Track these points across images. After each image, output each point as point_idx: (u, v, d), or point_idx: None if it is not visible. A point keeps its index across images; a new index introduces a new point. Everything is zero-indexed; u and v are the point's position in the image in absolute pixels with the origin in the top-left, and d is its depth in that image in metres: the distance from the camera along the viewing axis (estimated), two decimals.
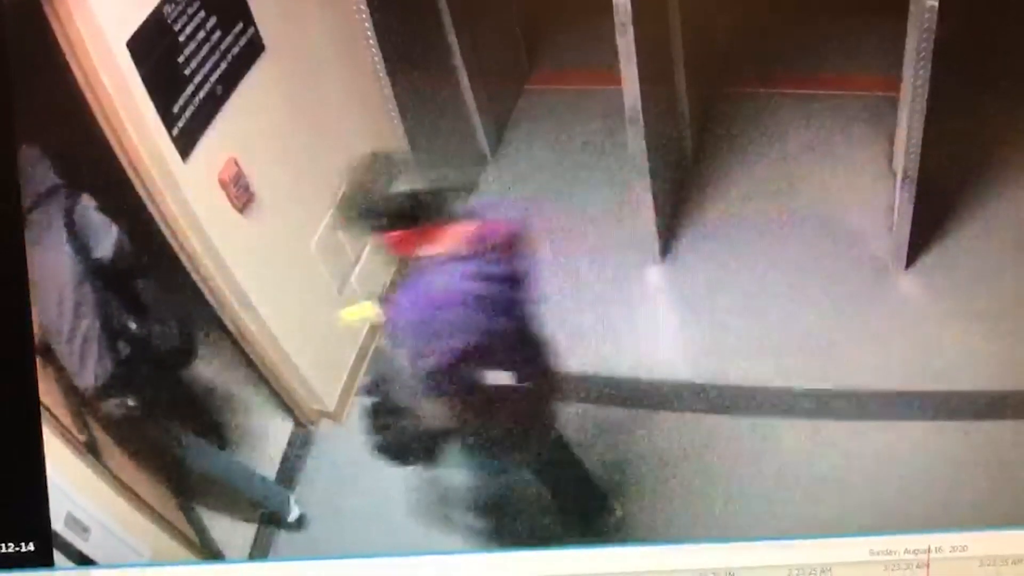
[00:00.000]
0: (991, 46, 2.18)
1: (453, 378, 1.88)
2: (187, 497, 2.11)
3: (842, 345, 2.20)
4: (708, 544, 1.71)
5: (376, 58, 2.25)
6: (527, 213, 2.11)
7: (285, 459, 2.28)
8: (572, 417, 2.12)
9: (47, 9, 1.71)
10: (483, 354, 1.89)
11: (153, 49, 1.86)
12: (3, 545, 1.68)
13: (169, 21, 1.89)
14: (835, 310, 2.25)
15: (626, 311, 2.29)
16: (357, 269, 2.32)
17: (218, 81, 2.00)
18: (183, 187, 1.96)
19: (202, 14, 1.95)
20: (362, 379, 2.29)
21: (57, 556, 1.72)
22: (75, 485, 1.82)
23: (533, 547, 1.77)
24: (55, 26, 1.73)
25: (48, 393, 1.80)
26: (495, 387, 1.92)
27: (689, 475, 2.09)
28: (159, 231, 1.98)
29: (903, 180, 2.18)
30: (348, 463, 2.20)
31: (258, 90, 2.09)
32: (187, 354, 2.07)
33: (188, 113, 1.94)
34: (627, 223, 2.34)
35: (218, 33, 2.00)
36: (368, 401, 2.04)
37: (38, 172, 1.79)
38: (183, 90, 1.93)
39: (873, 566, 1.68)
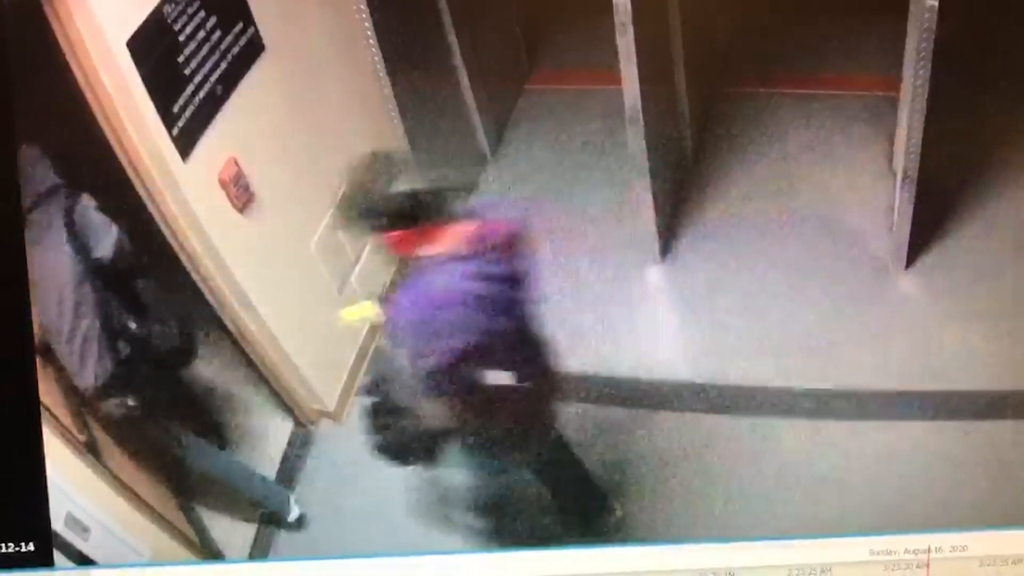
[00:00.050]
0: (991, 46, 2.18)
1: (453, 378, 1.88)
2: (187, 497, 2.11)
3: (842, 345, 2.20)
4: (708, 544, 1.71)
5: (376, 58, 2.25)
6: (527, 213, 2.11)
7: (285, 459, 2.28)
8: (572, 417, 2.12)
9: (47, 9, 1.71)
10: (483, 354, 1.89)
11: (153, 49, 1.86)
12: (3, 545, 1.68)
13: (169, 21, 1.89)
14: (835, 310, 2.25)
15: (626, 311, 2.29)
16: (357, 269, 2.32)
17: (218, 81, 2.00)
18: (183, 187, 1.96)
19: (202, 14, 1.95)
20: (362, 379, 2.29)
21: (57, 556, 1.72)
22: (75, 485, 1.82)
23: (533, 547, 1.76)
24: (55, 26, 1.73)
25: (48, 393, 1.80)
26: (495, 387, 1.92)
27: (689, 475, 2.09)
28: (159, 231, 1.97)
29: (903, 180, 2.18)
30: (348, 463, 2.20)
31: (258, 90, 2.09)
32: (187, 354, 2.07)
33: (188, 113, 1.94)
34: (627, 223, 2.34)
35: (218, 33, 2.00)
36: (368, 401, 2.04)
37: (38, 172, 1.79)
38: (183, 90, 1.93)
39: (873, 566, 1.68)
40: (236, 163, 2.05)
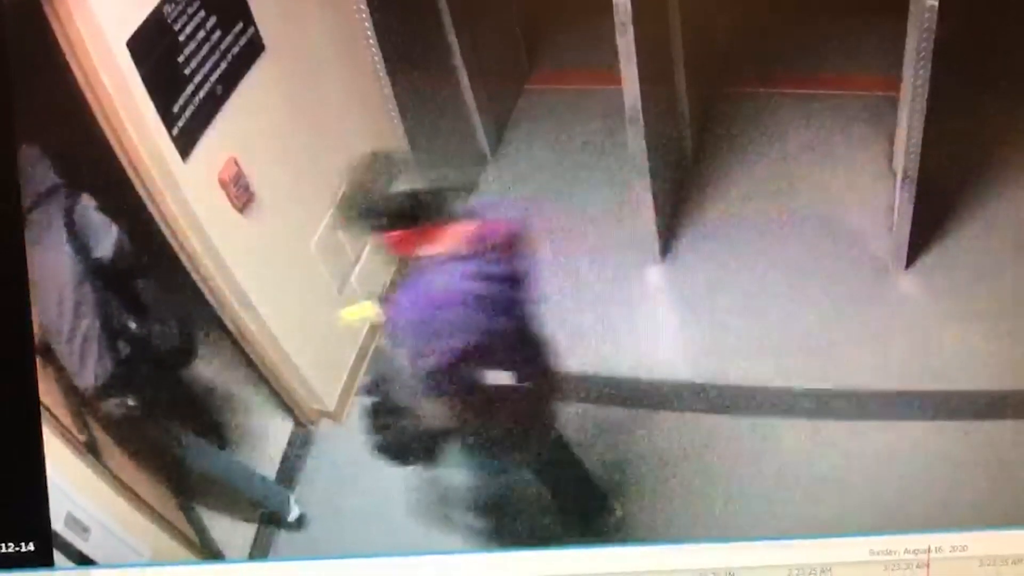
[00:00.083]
0: (991, 46, 2.18)
1: (453, 378, 1.88)
2: (187, 497, 2.11)
3: (842, 345, 2.20)
4: (708, 544, 1.71)
5: (376, 58, 2.25)
6: (527, 213, 2.11)
7: (285, 459, 2.28)
8: (572, 417, 2.12)
9: (47, 9, 1.71)
10: (483, 354, 1.89)
11: (153, 49, 1.86)
12: (3, 545, 1.68)
13: (169, 21, 1.89)
14: (835, 310, 2.25)
15: (626, 311, 2.29)
16: (357, 269, 2.32)
17: (218, 81, 2.00)
18: (183, 187, 1.96)
19: (202, 14, 1.95)
20: (362, 379, 2.29)
21: (57, 556, 1.72)
22: (75, 485, 1.82)
23: (533, 547, 1.76)
24: (55, 26, 1.73)
25: (48, 393, 1.80)
26: (495, 387, 1.92)
27: (689, 475, 2.09)
28: (159, 231, 1.97)
29: (903, 180, 2.18)
30: (348, 463, 2.20)
31: (258, 90, 2.09)
32: (187, 354, 2.07)
33: (188, 113, 1.94)
34: (627, 223, 2.34)
35: (218, 33, 1.99)
36: (368, 401, 2.04)
37: (38, 172, 1.79)
38: (183, 90, 1.93)
39: (873, 566, 1.68)
40: (236, 163, 2.05)
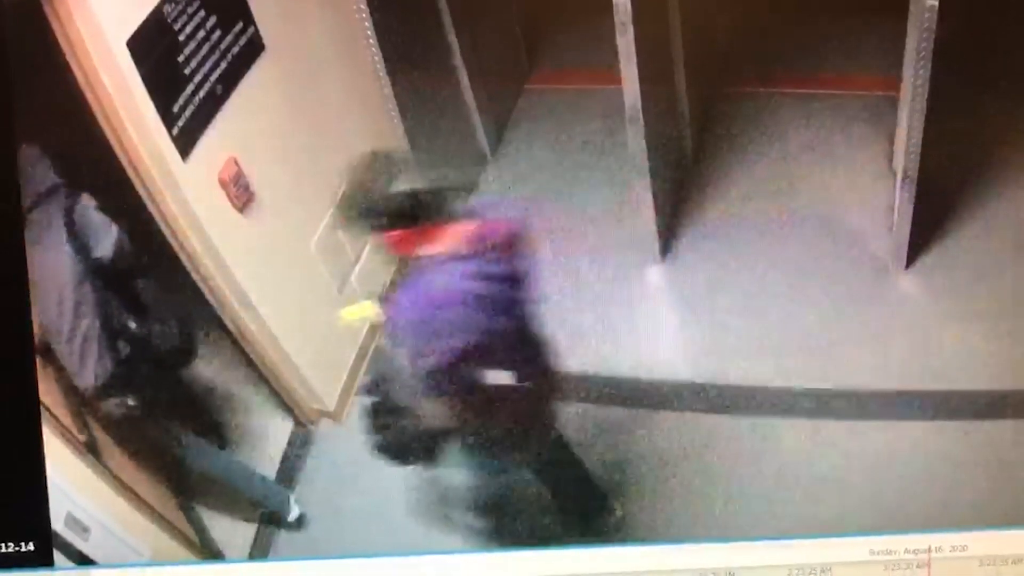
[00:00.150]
0: (991, 46, 2.18)
1: (453, 378, 1.88)
2: (187, 497, 2.11)
3: (842, 345, 2.20)
4: (708, 544, 1.71)
5: (376, 58, 2.25)
6: (527, 213, 2.10)
7: (285, 459, 2.28)
8: (572, 417, 2.12)
9: (47, 9, 1.71)
10: (483, 354, 1.89)
11: (153, 49, 1.86)
12: (3, 545, 1.68)
13: (169, 21, 1.89)
14: (835, 310, 2.25)
15: (626, 311, 2.29)
16: (357, 269, 2.32)
17: (218, 81, 2.00)
18: (183, 187, 1.96)
19: (202, 13, 1.95)
20: (362, 379, 2.29)
21: (57, 556, 1.72)
22: (75, 485, 1.82)
23: (533, 547, 1.76)
24: (55, 26, 1.73)
25: (48, 393, 1.80)
26: (495, 387, 1.92)
27: (689, 475, 2.09)
28: (159, 231, 1.97)
29: (903, 180, 2.18)
30: (348, 463, 2.20)
31: (258, 90, 2.09)
32: (187, 354, 2.07)
33: (188, 113, 1.94)
34: (627, 223, 2.34)
35: (218, 33, 2.00)
36: (368, 401, 2.04)
37: (38, 172, 1.79)
38: (183, 90, 1.93)
39: (873, 566, 1.68)
40: (236, 163, 2.05)
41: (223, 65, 2.01)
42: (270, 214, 2.15)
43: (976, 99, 2.20)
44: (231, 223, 2.07)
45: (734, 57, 2.45)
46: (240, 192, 2.07)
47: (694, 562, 1.70)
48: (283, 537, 2.17)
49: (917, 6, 2.00)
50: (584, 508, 2.10)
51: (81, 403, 1.91)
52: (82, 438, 1.90)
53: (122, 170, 1.89)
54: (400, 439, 2.00)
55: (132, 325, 1.94)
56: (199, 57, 1.96)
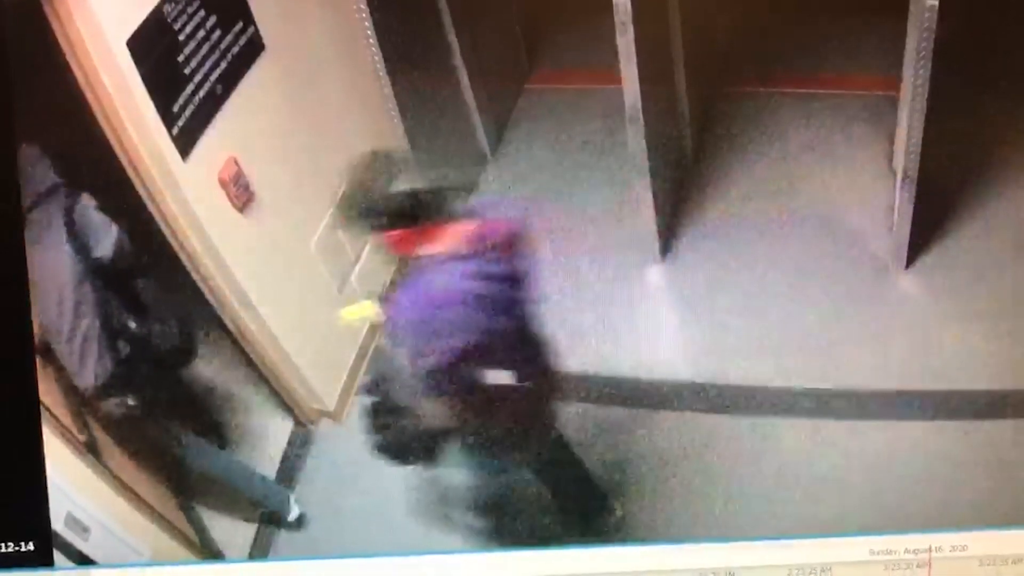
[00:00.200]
0: (991, 46, 2.18)
1: (453, 377, 1.88)
2: (187, 497, 2.11)
3: (842, 345, 2.20)
4: (708, 544, 1.71)
5: (376, 58, 2.25)
6: (527, 213, 2.10)
7: (285, 459, 2.28)
8: (572, 417, 2.12)
9: (47, 9, 1.71)
10: (483, 353, 1.89)
11: (153, 48, 1.86)
12: (3, 545, 1.68)
13: (169, 20, 1.89)
14: (835, 310, 2.25)
15: (626, 311, 2.29)
16: (357, 268, 2.32)
17: (218, 80, 2.00)
18: (183, 186, 1.96)
19: (202, 13, 1.95)
20: (362, 378, 2.29)
21: (57, 556, 1.72)
22: (75, 485, 1.82)
23: (533, 547, 1.76)
24: (55, 26, 1.73)
25: (48, 393, 1.80)
26: (495, 387, 1.92)
27: (689, 475, 2.09)
28: (159, 231, 1.97)
29: (903, 180, 2.18)
30: (348, 463, 2.20)
31: (258, 89, 2.09)
32: (187, 354, 2.07)
33: (188, 112, 1.94)
34: (627, 223, 2.34)
35: (218, 32, 2.00)
36: (368, 400, 2.04)
37: (38, 172, 1.79)
38: (183, 89, 1.93)
39: (873, 566, 1.68)
40: (236, 163, 2.05)
41: (223, 65, 2.01)
42: (270, 214, 2.15)
43: (976, 99, 2.20)
44: (231, 223, 2.07)
45: (734, 57, 2.45)
46: (240, 192, 2.07)
47: (694, 562, 1.70)
48: (283, 537, 2.17)
49: (917, 6, 2.00)
50: (584, 508, 2.10)
51: (81, 403, 1.91)
52: (82, 438, 1.90)
53: (122, 170, 1.89)
54: (400, 439, 2.00)
55: (132, 325, 1.94)
56: (199, 57, 1.96)
